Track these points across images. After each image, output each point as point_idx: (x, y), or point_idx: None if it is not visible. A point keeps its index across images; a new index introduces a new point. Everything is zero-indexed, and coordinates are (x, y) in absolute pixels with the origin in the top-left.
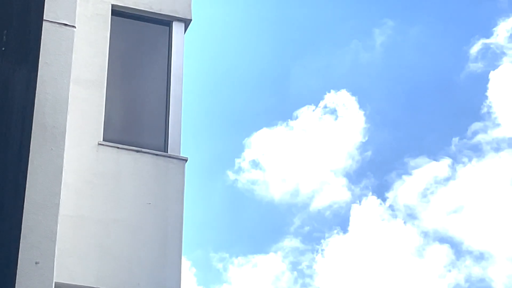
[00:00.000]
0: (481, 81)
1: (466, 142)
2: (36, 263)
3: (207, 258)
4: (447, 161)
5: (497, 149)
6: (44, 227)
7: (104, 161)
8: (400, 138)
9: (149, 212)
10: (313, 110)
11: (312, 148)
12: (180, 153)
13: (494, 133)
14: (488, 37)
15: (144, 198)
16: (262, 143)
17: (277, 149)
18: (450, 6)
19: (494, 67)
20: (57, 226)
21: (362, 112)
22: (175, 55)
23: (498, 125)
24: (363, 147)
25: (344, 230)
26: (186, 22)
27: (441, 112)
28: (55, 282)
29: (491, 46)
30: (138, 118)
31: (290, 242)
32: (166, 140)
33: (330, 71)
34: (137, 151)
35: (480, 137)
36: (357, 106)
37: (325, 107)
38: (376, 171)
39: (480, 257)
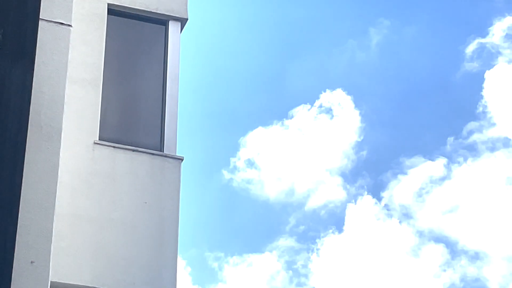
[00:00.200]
0: (477, 80)
1: (462, 142)
2: (32, 262)
3: (202, 257)
4: (442, 160)
5: (493, 149)
6: (40, 226)
7: (100, 160)
8: (395, 138)
9: (145, 211)
10: (309, 110)
11: (307, 147)
12: (176, 153)
13: (490, 133)
14: (483, 36)
15: (140, 197)
16: (258, 142)
17: (272, 148)
18: (445, 5)
19: (490, 66)
20: (52, 225)
21: (357, 112)
22: (171, 54)
23: (494, 124)
24: (358, 146)
25: (340, 229)
26: (183, 22)
27: (436, 111)
28: (51, 281)
29: (487, 45)
30: (134, 117)
31: (285, 242)
32: (162, 139)
33: (326, 71)
34: (133, 150)
35: (475, 137)
36: (353, 105)
37: (321, 106)
38: (372, 171)
39: (475, 257)
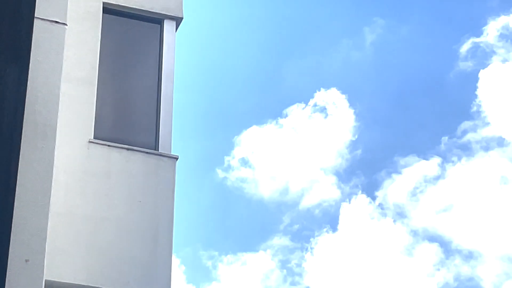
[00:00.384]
0: (471, 80)
1: (456, 141)
2: (26, 260)
3: (196, 256)
4: (436, 160)
5: (487, 148)
6: (34, 224)
7: (94, 159)
8: (390, 137)
9: (139, 210)
10: (303, 108)
11: (301, 146)
12: (170, 151)
13: (484, 132)
14: (478, 36)
15: (134, 196)
16: (252, 141)
17: (266, 147)
18: (440, 5)
19: (484, 66)
20: (47, 224)
21: (352, 111)
22: (166, 53)
23: (488, 124)
24: (353, 145)
25: (334, 228)
26: (178, 20)
27: (430, 111)
28: (45, 280)
29: (481, 45)
30: (129, 116)
31: (280, 241)
32: (157, 138)
33: (320, 70)
34: (128, 149)
35: (469, 136)
36: (347, 104)
37: (315, 105)
38: (366, 170)
39: (469, 256)
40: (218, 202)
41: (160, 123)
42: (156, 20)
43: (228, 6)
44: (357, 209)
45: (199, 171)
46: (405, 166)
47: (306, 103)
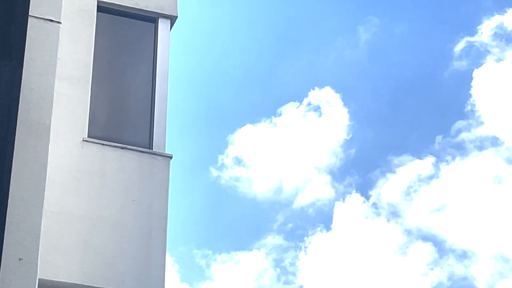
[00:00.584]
0: (465, 79)
1: (450, 141)
2: (20, 259)
3: (190, 255)
4: (430, 159)
5: (481, 148)
6: (28, 223)
7: (88, 158)
8: (384, 136)
9: (133, 209)
10: (297, 107)
11: (295, 145)
12: (165, 150)
13: (478, 132)
14: (472, 35)
15: (128, 195)
16: (246, 140)
17: (260, 146)
18: (434, 4)
19: (478, 65)
20: (41, 223)
21: (346, 110)
22: (161, 52)
23: (482, 123)
24: (347, 144)
25: (328, 227)
26: (172, 19)
27: (425, 110)
28: (39, 279)
29: (475, 44)
30: (123, 115)
31: (273, 239)
32: (151, 137)
33: (315, 68)
34: (122, 148)
35: (463, 136)
36: (341, 103)
37: (309, 104)
38: (360, 169)
39: (463, 256)
40: (212, 201)
41: (154, 122)
42: (150, 19)
43: (222, 5)
44: (351, 208)
45: (193, 170)
46: (399, 166)
47: (300, 102)
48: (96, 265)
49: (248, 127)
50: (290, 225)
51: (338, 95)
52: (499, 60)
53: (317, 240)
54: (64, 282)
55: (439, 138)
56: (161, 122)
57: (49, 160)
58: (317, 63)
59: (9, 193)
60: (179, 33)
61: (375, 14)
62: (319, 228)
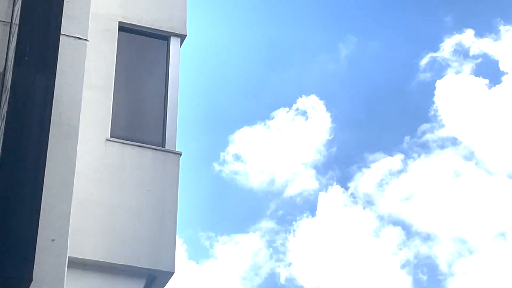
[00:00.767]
0: (429, 88)
1: (416, 141)
2: (53, 240)
3: (196, 236)
4: (400, 156)
5: (442, 147)
6: (59, 209)
7: (111, 155)
8: (360, 136)
9: (148, 197)
10: (287, 112)
11: (286, 144)
12: (175, 148)
13: (440, 133)
14: (435, 51)
15: (144, 186)
16: (244, 140)
17: (256, 144)
18: (403, 24)
19: (440, 77)
20: (70, 209)
21: (328, 114)
22: (172, 65)
23: (443, 126)
24: (329, 143)
25: (313, 214)
26: (182, 37)
27: (395, 114)
28: (69, 257)
29: (438, 59)
30: (140, 118)
31: (267, 224)
32: (164, 136)
33: (302, 79)
34: (139, 146)
35: (428, 136)
36: (325, 109)
37: (297, 109)
38: (340, 164)
39: (427, 238)
40: (215, 191)
41: (166, 124)
42: (163, 37)
43: (224, 26)
44: (333, 198)
45: (199, 165)
46: (373, 161)
47: (290, 107)
48: (116, 245)
49: (246, 128)
50: (281, 212)
51: (322, 101)
52: (458, 72)
53: (304, 224)
54: (90, 259)
55: (407, 138)
56: (172, 124)
57: (77, 156)
58: (304, 75)
59: (44, 184)
60: (188, 49)
61: (353, 33)
62: (305, 215)
